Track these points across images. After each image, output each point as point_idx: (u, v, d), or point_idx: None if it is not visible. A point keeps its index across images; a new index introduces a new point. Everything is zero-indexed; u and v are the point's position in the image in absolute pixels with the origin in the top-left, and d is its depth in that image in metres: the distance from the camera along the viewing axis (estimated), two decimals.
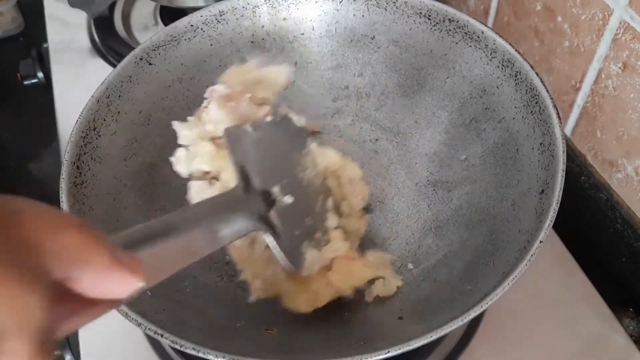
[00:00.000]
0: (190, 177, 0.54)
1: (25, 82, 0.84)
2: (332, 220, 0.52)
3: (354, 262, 0.52)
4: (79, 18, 0.85)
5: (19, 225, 0.22)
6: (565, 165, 0.44)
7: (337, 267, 0.51)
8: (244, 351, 0.39)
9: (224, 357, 0.38)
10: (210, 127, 0.52)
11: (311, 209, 0.51)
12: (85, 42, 0.83)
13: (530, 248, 0.41)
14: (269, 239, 0.44)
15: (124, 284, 0.24)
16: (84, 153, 0.49)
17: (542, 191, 0.45)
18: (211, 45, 0.58)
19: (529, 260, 0.40)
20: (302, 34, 0.59)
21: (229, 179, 0.51)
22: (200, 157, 0.52)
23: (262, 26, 0.59)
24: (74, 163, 0.48)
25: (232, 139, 0.44)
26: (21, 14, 1.48)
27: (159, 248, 0.30)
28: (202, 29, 0.57)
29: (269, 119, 0.51)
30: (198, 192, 0.53)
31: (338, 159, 0.55)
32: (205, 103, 0.51)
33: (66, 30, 0.85)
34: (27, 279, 0.21)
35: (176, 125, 0.52)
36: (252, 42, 0.59)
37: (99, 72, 0.75)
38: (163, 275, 0.31)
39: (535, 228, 0.43)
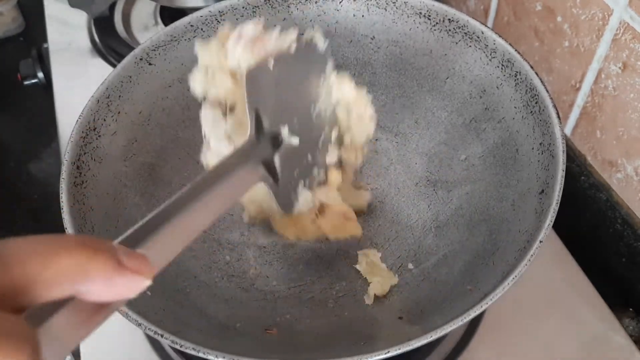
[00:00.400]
0: (203, 99, 0.51)
1: (25, 82, 0.84)
2: (331, 155, 0.51)
3: (347, 221, 0.52)
4: (79, 18, 0.85)
5: (5, 271, 0.21)
6: (565, 166, 0.44)
7: (330, 216, 0.51)
8: (244, 351, 0.39)
9: (224, 357, 0.38)
10: (234, 63, 0.50)
11: (314, 144, 0.50)
12: (86, 42, 0.83)
13: (530, 248, 0.41)
14: (267, 187, 0.44)
15: (132, 285, 0.24)
16: (84, 153, 0.49)
17: (542, 191, 0.45)
18: None
19: (529, 260, 0.40)
20: (302, 34, 0.59)
21: (244, 115, 0.50)
22: (217, 88, 0.50)
23: (262, 26, 0.59)
24: (74, 163, 0.48)
25: (250, 82, 0.43)
26: (21, 14, 1.48)
27: (168, 231, 0.30)
28: (202, 29, 0.57)
29: (293, 48, 0.47)
30: (211, 125, 0.51)
31: (353, 92, 0.52)
32: (231, 41, 0.49)
33: (66, 30, 0.85)
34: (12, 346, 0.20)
35: (198, 45, 0.50)
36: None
37: (99, 72, 0.75)
38: (174, 253, 0.31)
39: (535, 228, 0.43)
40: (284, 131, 0.45)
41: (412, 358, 0.54)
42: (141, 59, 0.54)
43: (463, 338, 0.55)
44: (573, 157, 0.62)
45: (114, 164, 0.52)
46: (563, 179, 0.43)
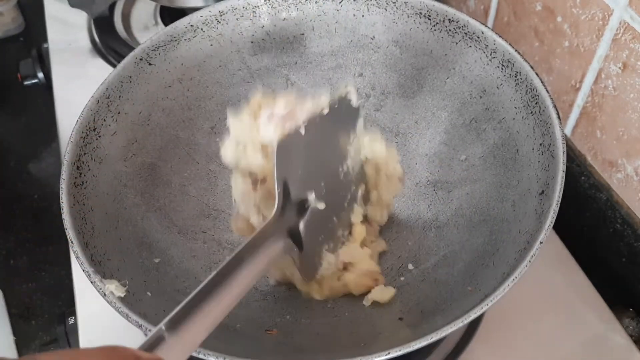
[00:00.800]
0: (235, 167, 0.52)
1: (25, 82, 0.84)
2: (357, 214, 0.51)
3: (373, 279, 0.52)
4: (79, 18, 0.85)
5: None
6: (565, 166, 0.44)
7: (355, 273, 0.51)
8: (244, 352, 0.39)
9: (224, 358, 0.38)
10: (266, 140, 0.50)
11: (341, 205, 0.49)
12: (86, 42, 0.83)
13: (530, 249, 0.41)
14: (291, 257, 0.44)
15: None
16: (84, 153, 0.49)
17: (542, 192, 0.45)
18: (211, 45, 0.58)
19: (530, 261, 0.40)
20: (302, 34, 0.59)
21: (273, 187, 0.50)
22: (248, 160, 0.51)
23: (262, 26, 0.59)
24: (74, 163, 0.48)
25: (281, 153, 0.43)
26: (21, 14, 1.48)
27: (203, 313, 0.33)
28: (202, 29, 0.57)
29: (326, 109, 0.47)
30: (241, 194, 0.52)
31: (383, 150, 0.53)
32: (263, 119, 0.50)
33: (66, 30, 0.85)
34: None
35: (230, 117, 0.50)
36: (252, 42, 0.59)
37: (99, 72, 0.75)
38: (209, 330, 0.33)
39: (536, 229, 0.43)
40: (311, 197, 0.45)
41: (413, 358, 0.54)
42: (141, 59, 0.54)
43: (463, 338, 0.55)
44: (573, 157, 0.62)
45: (114, 164, 0.52)
46: (563, 180, 0.43)
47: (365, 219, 0.54)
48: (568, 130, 0.63)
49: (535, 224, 0.43)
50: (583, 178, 0.62)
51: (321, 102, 0.47)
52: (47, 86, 0.82)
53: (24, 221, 1.23)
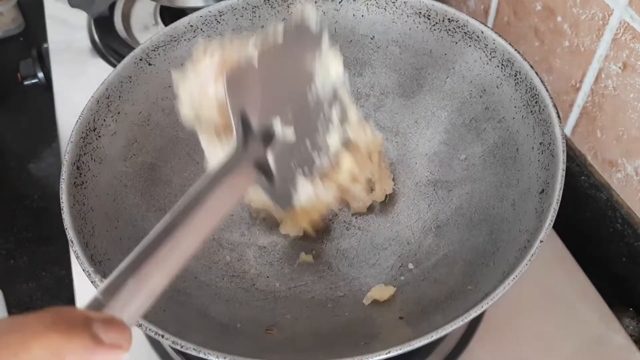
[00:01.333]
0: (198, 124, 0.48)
1: (25, 82, 0.84)
2: (334, 135, 0.48)
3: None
4: (79, 18, 0.85)
5: None
6: (565, 165, 0.44)
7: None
8: (245, 351, 0.39)
9: (224, 358, 0.38)
10: (212, 93, 0.45)
11: (312, 128, 0.46)
12: (86, 42, 0.83)
13: (530, 248, 0.41)
14: (261, 189, 0.41)
15: (113, 356, 0.24)
16: (84, 153, 0.49)
17: (542, 191, 0.45)
18: None
19: (530, 260, 0.40)
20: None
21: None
22: (205, 117, 0.47)
23: (262, 26, 0.59)
24: (74, 163, 0.48)
25: (232, 85, 0.40)
26: (21, 14, 1.48)
27: (159, 258, 0.30)
28: (201, 29, 0.57)
29: (280, 37, 0.44)
30: (208, 148, 0.48)
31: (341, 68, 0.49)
32: (204, 72, 0.47)
33: (66, 30, 0.85)
34: None
35: (175, 76, 0.47)
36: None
37: (99, 72, 0.75)
38: (166, 279, 0.31)
39: (536, 228, 0.43)
40: (276, 124, 0.42)
41: (413, 358, 0.54)
42: (141, 59, 0.54)
43: (463, 338, 0.55)
44: (573, 157, 0.62)
45: (114, 164, 0.52)
46: (563, 179, 0.43)
47: (350, 145, 0.50)
48: (568, 130, 0.63)
49: (535, 223, 0.43)
50: (583, 178, 0.62)
51: (274, 31, 0.44)
52: (47, 86, 0.82)
53: (24, 221, 1.23)
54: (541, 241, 0.41)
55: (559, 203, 0.42)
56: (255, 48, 0.43)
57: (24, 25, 1.49)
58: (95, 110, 0.51)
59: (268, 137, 0.42)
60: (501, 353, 0.55)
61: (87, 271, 0.42)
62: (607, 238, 0.62)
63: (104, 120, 0.52)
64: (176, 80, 0.47)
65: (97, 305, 0.27)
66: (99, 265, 0.44)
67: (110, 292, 0.28)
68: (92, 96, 0.51)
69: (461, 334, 0.55)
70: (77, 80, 0.78)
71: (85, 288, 0.58)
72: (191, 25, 0.56)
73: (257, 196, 0.50)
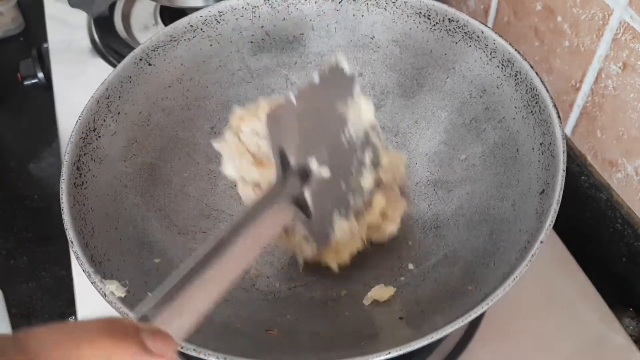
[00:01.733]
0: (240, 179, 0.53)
1: (25, 82, 0.84)
2: (366, 179, 0.50)
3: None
4: (79, 18, 0.85)
5: None
6: (565, 165, 0.44)
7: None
8: (244, 351, 0.39)
9: (224, 358, 0.38)
10: (254, 148, 0.51)
11: (347, 171, 0.48)
12: (86, 42, 0.83)
13: (530, 248, 0.41)
14: (300, 224, 0.44)
15: None
16: (84, 154, 0.49)
17: (543, 191, 0.45)
18: (211, 45, 0.58)
19: (530, 260, 0.40)
20: (302, 34, 0.59)
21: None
22: (247, 173, 0.52)
23: (262, 26, 0.59)
24: (74, 164, 0.48)
25: (272, 123, 0.43)
26: (21, 14, 1.48)
27: (197, 286, 0.31)
28: (201, 29, 0.57)
29: (317, 79, 0.46)
30: (246, 199, 0.54)
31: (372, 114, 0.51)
32: (247, 135, 0.51)
33: (66, 30, 0.85)
34: None
35: (215, 143, 0.53)
36: (251, 42, 0.59)
37: (99, 72, 0.75)
38: (208, 305, 0.32)
39: (536, 228, 0.42)
40: (312, 163, 0.44)
41: (413, 358, 0.54)
42: (141, 59, 0.54)
43: (463, 338, 0.55)
44: (573, 157, 0.62)
45: (114, 164, 0.52)
46: (564, 179, 0.43)
47: (381, 185, 0.53)
48: (568, 130, 0.63)
49: (535, 223, 0.43)
50: (583, 178, 0.62)
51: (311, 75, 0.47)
52: (47, 86, 0.82)
53: (24, 221, 1.23)
54: (541, 242, 0.41)
55: (559, 204, 0.42)
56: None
57: (24, 25, 1.49)
58: (95, 111, 0.51)
59: (305, 175, 0.44)
60: (501, 353, 0.55)
61: (87, 271, 0.42)
62: (607, 238, 0.62)
63: (104, 120, 0.52)
64: (218, 148, 0.51)
65: (144, 320, 0.29)
66: (99, 265, 0.44)
67: (156, 311, 0.30)
68: (92, 96, 0.51)
69: (461, 334, 0.55)
70: (77, 80, 0.78)
71: (85, 288, 0.58)
72: (191, 25, 0.56)
73: (287, 242, 0.53)
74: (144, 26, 0.84)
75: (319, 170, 0.44)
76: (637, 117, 0.53)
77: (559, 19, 0.58)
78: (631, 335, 0.55)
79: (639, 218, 0.57)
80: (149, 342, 0.25)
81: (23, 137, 1.34)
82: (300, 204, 0.43)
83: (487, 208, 0.51)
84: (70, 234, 0.44)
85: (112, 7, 0.85)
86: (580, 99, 0.59)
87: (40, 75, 0.83)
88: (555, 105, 0.46)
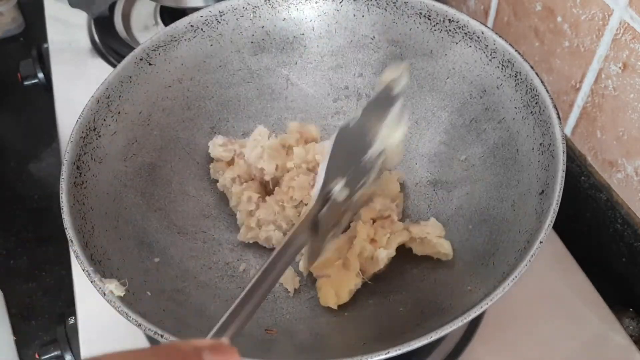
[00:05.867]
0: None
1: (26, 82, 0.84)
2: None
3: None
4: (79, 18, 0.85)
5: None
6: (565, 166, 0.44)
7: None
8: (244, 351, 0.39)
9: None
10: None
11: (355, 192, 0.47)
12: (86, 42, 0.83)
13: (530, 248, 0.41)
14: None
15: None
16: (84, 153, 0.49)
17: (542, 192, 0.45)
18: (211, 45, 0.58)
19: (529, 260, 0.40)
20: (303, 34, 0.59)
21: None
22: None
23: (262, 26, 0.59)
24: (74, 163, 0.48)
25: (338, 141, 0.44)
26: (21, 14, 1.48)
27: (246, 313, 0.34)
28: (202, 29, 0.57)
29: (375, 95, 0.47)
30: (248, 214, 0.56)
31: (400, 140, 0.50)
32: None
33: (66, 30, 0.85)
34: None
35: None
36: (252, 42, 0.59)
37: (99, 72, 0.75)
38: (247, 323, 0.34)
39: (535, 228, 0.42)
40: (339, 185, 0.44)
41: (413, 358, 0.54)
42: (141, 59, 0.54)
43: (463, 338, 0.55)
44: (573, 157, 0.62)
45: (114, 164, 0.52)
46: (563, 180, 0.43)
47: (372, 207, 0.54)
48: (568, 130, 0.63)
49: (535, 223, 0.43)
50: (583, 178, 0.62)
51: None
52: (47, 86, 0.82)
53: (24, 221, 1.23)
54: (541, 242, 0.41)
55: (558, 204, 0.42)
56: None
57: (24, 25, 1.49)
58: (95, 110, 0.51)
59: (327, 197, 0.44)
60: (501, 353, 0.55)
61: (87, 270, 0.42)
62: (607, 238, 0.62)
63: (104, 120, 0.52)
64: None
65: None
66: (99, 264, 0.44)
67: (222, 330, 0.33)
68: (93, 96, 0.51)
69: (461, 334, 0.55)
70: (77, 80, 0.78)
71: (85, 288, 0.58)
72: (192, 25, 0.56)
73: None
74: (144, 26, 0.84)
75: (340, 193, 0.44)
76: (637, 118, 0.53)
77: (559, 19, 0.58)
78: (631, 336, 0.55)
79: (639, 218, 0.57)
80: (210, 358, 0.26)
81: (23, 137, 1.34)
82: (315, 226, 0.43)
83: (487, 208, 0.51)
84: (70, 234, 0.44)
85: (112, 7, 0.85)
86: (580, 99, 0.59)
87: (40, 75, 0.83)
88: (555, 106, 0.46)
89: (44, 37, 0.85)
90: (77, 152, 0.49)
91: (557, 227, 0.61)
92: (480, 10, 0.72)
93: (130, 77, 0.54)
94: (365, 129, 0.46)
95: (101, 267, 0.44)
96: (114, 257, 0.46)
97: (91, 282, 0.42)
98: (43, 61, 0.84)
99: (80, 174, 0.48)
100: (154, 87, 0.55)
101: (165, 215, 0.54)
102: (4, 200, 1.24)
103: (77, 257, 0.43)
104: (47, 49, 0.83)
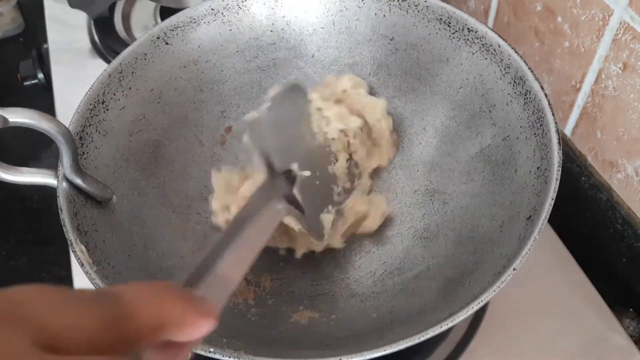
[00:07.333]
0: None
1: (25, 83, 0.84)
2: (342, 178, 0.54)
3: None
4: (79, 18, 0.85)
5: (129, 319, 0.23)
6: (555, 194, 0.43)
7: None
8: (245, 349, 0.39)
9: (222, 355, 0.38)
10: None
11: (326, 173, 0.53)
12: (85, 43, 0.83)
13: (503, 274, 0.40)
14: (295, 220, 0.48)
15: (205, 330, 0.26)
16: (89, 125, 0.49)
17: (529, 217, 0.44)
18: (230, 30, 0.58)
19: (499, 287, 0.39)
20: (323, 27, 0.59)
21: None
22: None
23: (283, 16, 0.58)
24: (77, 134, 0.48)
25: (253, 131, 0.46)
26: (21, 14, 1.47)
27: (214, 274, 0.33)
28: (222, 13, 0.57)
29: (279, 91, 0.51)
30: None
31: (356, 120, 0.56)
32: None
33: (66, 30, 0.85)
34: None
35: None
36: (271, 30, 0.59)
37: (99, 72, 0.75)
38: (225, 296, 0.33)
39: (514, 254, 0.42)
40: (295, 167, 0.48)
41: (414, 358, 0.54)
42: (158, 38, 0.55)
43: (463, 338, 0.54)
44: (573, 158, 0.62)
45: (118, 138, 0.51)
46: (550, 208, 0.42)
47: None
48: (568, 131, 0.63)
49: (515, 249, 0.42)
50: (583, 178, 0.62)
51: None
52: (47, 87, 0.82)
53: (24, 222, 1.22)
54: (514, 269, 0.40)
55: (540, 233, 0.41)
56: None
57: (24, 26, 1.48)
58: (106, 84, 0.51)
59: (291, 177, 0.48)
60: (501, 353, 0.54)
61: (81, 262, 0.42)
62: (607, 238, 0.62)
63: (114, 94, 0.51)
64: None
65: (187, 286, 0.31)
66: (84, 235, 0.45)
67: (193, 280, 0.31)
68: (105, 70, 0.51)
69: (462, 334, 0.54)
70: (77, 80, 0.78)
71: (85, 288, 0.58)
72: (212, 9, 0.57)
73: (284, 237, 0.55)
74: (144, 27, 0.84)
75: (302, 173, 0.48)
76: (637, 118, 0.53)
77: (559, 19, 0.58)
78: (631, 336, 0.55)
79: (639, 218, 0.57)
80: (200, 307, 0.26)
81: (23, 137, 1.34)
82: (293, 201, 0.46)
83: (477, 226, 0.50)
84: (61, 202, 0.45)
85: (112, 8, 0.85)
86: (581, 100, 0.59)
87: (40, 75, 0.83)
88: (557, 130, 0.46)
89: (43, 38, 0.84)
90: (82, 123, 0.49)
91: (557, 227, 0.62)
92: (481, 10, 0.72)
93: (146, 54, 0.54)
94: (294, 120, 0.52)
95: (84, 232, 0.45)
96: (101, 229, 0.46)
97: (91, 281, 0.42)
98: (43, 62, 0.83)
99: (83, 144, 0.48)
100: (168, 66, 0.55)
101: (163, 193, 0.53)
102: (4, 201, 1.24)
103: (61, 211, 0.44)
104: (47, 49, 0.83)
